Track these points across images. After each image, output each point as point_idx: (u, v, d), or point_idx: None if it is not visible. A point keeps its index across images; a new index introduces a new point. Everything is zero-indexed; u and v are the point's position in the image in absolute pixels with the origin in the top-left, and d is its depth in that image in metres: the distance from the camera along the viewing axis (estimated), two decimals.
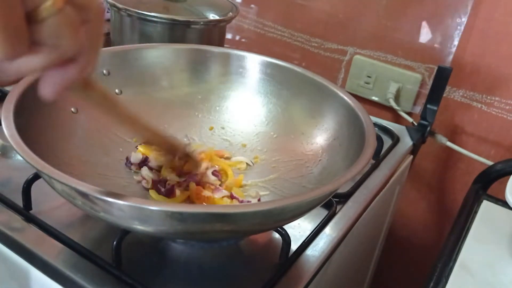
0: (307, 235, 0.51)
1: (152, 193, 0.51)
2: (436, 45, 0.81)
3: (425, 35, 0.82)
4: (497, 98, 0.79)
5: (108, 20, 0.81)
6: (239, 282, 0.46)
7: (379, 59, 0.87)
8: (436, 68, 0.77)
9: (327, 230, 0.53)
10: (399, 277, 1.06)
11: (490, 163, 0.76)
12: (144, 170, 0.53)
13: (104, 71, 0.57)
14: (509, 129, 0.80)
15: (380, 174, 0.66)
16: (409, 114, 0.87)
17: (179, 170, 0.53)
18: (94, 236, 0.48)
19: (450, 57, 0.80)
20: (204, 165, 0.54)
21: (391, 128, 0.77)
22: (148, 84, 0.61)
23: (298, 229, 0.52)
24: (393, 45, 0.85)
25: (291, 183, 0.54)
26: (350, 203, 0.59)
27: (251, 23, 0.99)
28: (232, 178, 0.55)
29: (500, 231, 0.61)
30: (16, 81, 0.46)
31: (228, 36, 1.03)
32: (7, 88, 0.64)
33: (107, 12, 0.81)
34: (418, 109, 0.86)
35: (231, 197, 0.51)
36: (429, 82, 0.83)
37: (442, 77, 0.76)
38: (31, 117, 0.45)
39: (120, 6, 0.73)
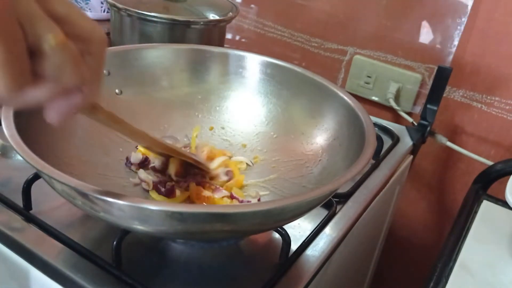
0: (307, 235, 0.51)
1: (153, 193, 0.51)
2: (436, 45, 0.81)
3: (425, 35, 0.82)
4: (497, 98, 0.79)
5: (108, 20, 0.81)
6: (239, 282, 0.46)
7: (379, 59, 0.87)
8: (436, 68, 0.77)
9: (327, 230, 0.53)
10: (399, 277, 1.06)
11: (490, 163, 0.76)
12: (142, 173, 0.53)
13: (104, 71, 0.57)
14: (509, 129, 0.80)
15: (380, 174, 0.66)
16: (409, 114, 0.87)
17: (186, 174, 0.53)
18: (94, 236, 0.48)
19: (450, 57, 0.80)
20: (216, 164, 0.55)
21: (391, 128, 0.77)
22: (148, 84, 0.61)
23: (298, 229, 0.52)
24: (393, 45, 0.85)
25: (291, 183, 0.54)
26: (350, 203, 0.59)
27: (251, 23, 0.99)
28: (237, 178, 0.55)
29: (500, 231, 0.61)
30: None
31: (228, 36, 1.03)
32: None
33: (107, 12, 0.81)
34: (418, 109, 0.86)
35: (231, 197, 0.51)
36: (429, 82, 0.83)
37: (442, 77, 0.76)
38: (31, 117, 0.44)
39: (120, 6, 0.73)
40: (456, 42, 0.79)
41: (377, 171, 0.66)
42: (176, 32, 0.74)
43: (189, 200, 0.51)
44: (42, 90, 0.27)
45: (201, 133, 0.61)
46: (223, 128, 0.62)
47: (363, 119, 0.51)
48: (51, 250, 0.46)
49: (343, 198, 0.59)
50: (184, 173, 0.53)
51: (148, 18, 0.72)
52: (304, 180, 0.54)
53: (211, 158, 0.57)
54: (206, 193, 0.50)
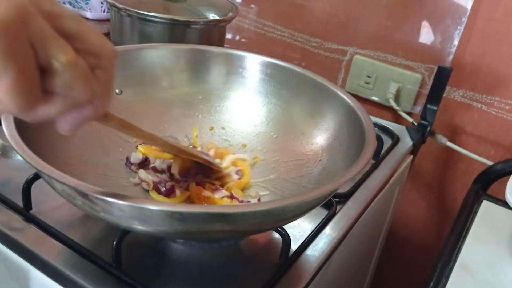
0: (307, 235, 0.51)
1: (153, 193, 0.51)
2: (436, 45, 0.81)
3: (425, 35, 0.82)
4: (497, 98, 0.79)
5: (108, 20, 0.81)
6: (239, 282, 0.46)
7: (379, 59, 0.87)
8: (436, 68, 0.77)
9: (327, 230, 0.53)
10: (399, 277, 1.06)
11: (490, 163, 0.76)
12: (142, 173, 0.53)
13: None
14: (509, 129, 0.80)
15: (380, 174, 0.66)
16: (409, 114, 0.87)
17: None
18: (94, 236, 0.48)
19: (450, 57, 0.80)
20: (227, 163, 0.55)
21: (391, 128, 0.77)
22: (148, 84, 0.61)
23: (298, 229, 0.52)
24: (393, 45, 0.85)
25: (291, 183, 0.54)
26: (350, 203, 0.59)
27: (251, 23, 0.99)
28: (248, 177, 0.55)
29: (500, 231, 0.61)
30: None
31: (228, 36, 1.03)
32: None
33: (107, 12, 0.81)
34: (418, 109, 0.86)
35: (231, 197, 0.51)
36: (429, 82, 0.83)
37: (442, 77, 0.76)
38: None
39: (120, 6, 0.73)
40: (456, 42, 0.79)
41: (377, 171, 0.66)
42: (176, 32, 0.74)
43: (189, 200, 0.51)
44: (53, 106, 0.27)
45: (201, 133, 0.61)
46: (223, 128, 0.62)
47: (363, 119, 0.51)
48: (51, 250, 0.46)
49: (343, 198, 0.59)
50: (191, 172, 0.53)
51: (148, 18, 0.72)
52: (304, 180, 0.54)
53: (219, 157, 0.57)
54: (206, 193, 0.50)
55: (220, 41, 0.82)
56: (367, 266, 0.88)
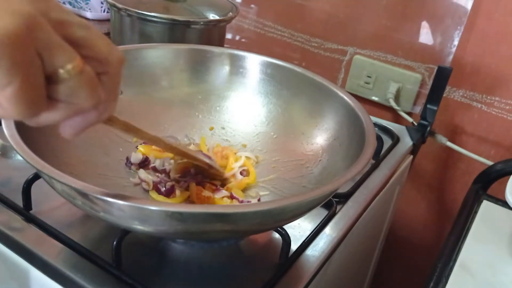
0: (307, 235, 0.51)
1: (152, 193, 0.51)
2: (436, 45, 0.81)
3: (425, 35, 0.82)
4: (497, 98, 0.79)
5: (108, 20, 0.81)
6: (239, 282, 0.46)
7: (379, 59, 0.87)
8: (436, 68, 0.77)
9: (327, 230, 0.53)
10: (399, 277, 1.06)
11: (490, 163, 0.76)
12: (142, 173, 0.53)
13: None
14: (509, 129, 0.80)
15: (380, 174, 0.66)
16: (409, 114, 0.87)
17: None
18: (94, 236, 0.48)
19: (450, 57, 0.80)
20: (234, 163, 0.56)
21: (391, 128, 0.77)
22: (148, 84, 0.61)
23: (298, 229, 0.52)
24: (393, 45, 0.85)
25: (291, 183, 0.54)
26: (350, 203, 0.59)
27: (251, 23, 0.99)
28: (253, 176, 0.55)
29: (500, 231, 0.61)
30: None
31: (228, 36, 1.03)
32: None
33: (107, 12, 0.81)
34: (418, 109, 0.86)
35: (231, 197, 0.51)
36: (429, 82, 0.83)
37: (442, 77, 0.76)
38: None
39: (120, 6, 0.73)
40: (456, 42, 0.79)
41: (377, 171, 0.66)
42: (176, 32, 0.74)
43: (189, 200, 0.51)
44: (57, 113, 0.27)
45: (201, 133, 0.61)
46: (223, 128, 0.62)
47: (363, 119, 0.51)
48: (51, 250, 0.46)
49: (343, 198, 0.59)
50: (191, 172, 0.53)
51: (148, 18, 0.72)
52: (304, 180, 0.54)
53: (225, 158, 0.57)
54: (206, 193, 0.50)
55: (220, 41, 0.82)
56: (367, 266, 0.88)
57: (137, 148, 0.56)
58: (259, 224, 0.41)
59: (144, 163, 0.55)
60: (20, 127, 0.40)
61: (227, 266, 0.47)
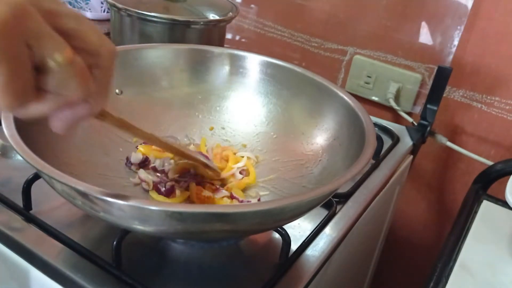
0: (307, 235, 0.51)
1: (152, 193, 0.51)
2: (436, 45, 0.81)
3: (425, 35, 0.82)
4: (497, 98, 0.79)
5: (108, 20, 0.81)
6: (239, 282, 0.46)
7: (379, 59, 0.87)
8: (436, 68, 0.77)
9: (327, 230, 0.53)
10: (399, 277, 1.06)
11: (490, 163, 0.76)
12: (142, 173, 0.53)
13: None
14: (509, 129, 0.80)
15: (380, 174, 0.66)
16: (409, 114, 0.87)
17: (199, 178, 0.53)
18: (94, 236, 0.48)
19: (450, 57, 0.80)
20: (235, 165, 0.56)
21: (391, 128, 0.77)
22: (148, 84, 0.61)
23: (298, 229, 0.52)
24: (393, 45, 0.85)
25: (291, 183, 0.54)
26: (350, 203, 0.59)
27: (251, 23, 0.99)
28: (253, 176, 0.55)
29: (500, 231, 0.61)
30: None
31: (228, 36, 1.03)
32: None
33: (107, 12, 0.81)
34: (418, 109, 0.86)
35: (231, 197, 0.51)
36: (429, 82, 0.83)
37: (442, 77, 0.76)
38: None
39: (120, 6, 0.73)
40: (456, 42, 0.79)
41: (377, 171, 0.66)
42: (176, 32, 0.74)
43: (189, 200, 0.51)
44: (45, 104, 0.27)
45: (201, 133, 0.61)
46: (223, 128, 0.62)
47: (363, 119, 0.51)
48: (51, 250, 0.46)
49: (343, 198, 0.59)
50: (190, 172, 0.53)
51: (148, 18, 0.72)
52: (304, 180, 0.54)
53: (225, 159, 0.57)
54: (206, 193, 0.50)
55: (220, 41, 0.82)
56: (367, 266, 0.88)
57: (137, 148, 0.56)
58: (259, 224, 0.41)
59: (144, 163, 0.55)
60: (20, 127, 0.40)
61: (227, 266, 0.47)
